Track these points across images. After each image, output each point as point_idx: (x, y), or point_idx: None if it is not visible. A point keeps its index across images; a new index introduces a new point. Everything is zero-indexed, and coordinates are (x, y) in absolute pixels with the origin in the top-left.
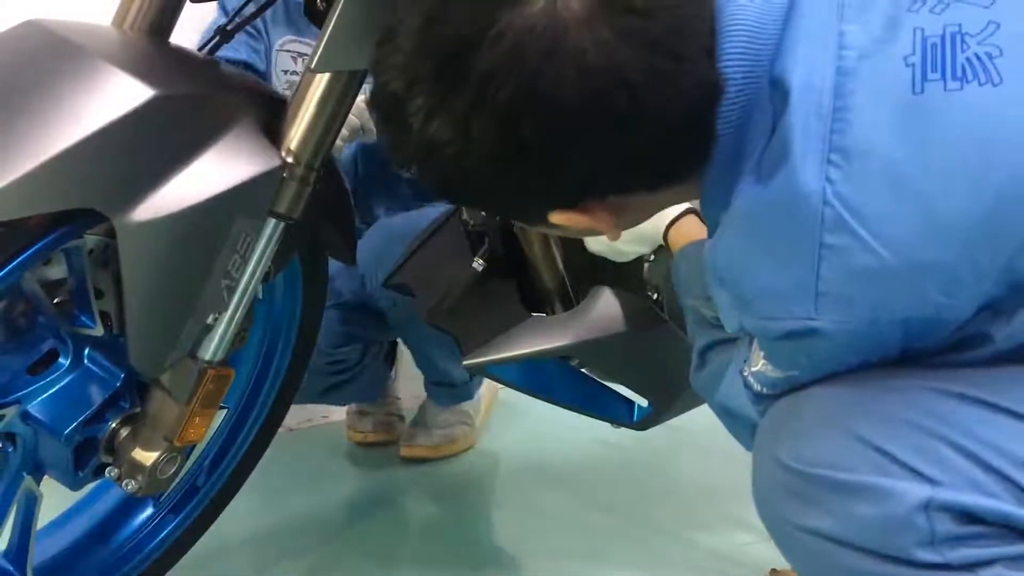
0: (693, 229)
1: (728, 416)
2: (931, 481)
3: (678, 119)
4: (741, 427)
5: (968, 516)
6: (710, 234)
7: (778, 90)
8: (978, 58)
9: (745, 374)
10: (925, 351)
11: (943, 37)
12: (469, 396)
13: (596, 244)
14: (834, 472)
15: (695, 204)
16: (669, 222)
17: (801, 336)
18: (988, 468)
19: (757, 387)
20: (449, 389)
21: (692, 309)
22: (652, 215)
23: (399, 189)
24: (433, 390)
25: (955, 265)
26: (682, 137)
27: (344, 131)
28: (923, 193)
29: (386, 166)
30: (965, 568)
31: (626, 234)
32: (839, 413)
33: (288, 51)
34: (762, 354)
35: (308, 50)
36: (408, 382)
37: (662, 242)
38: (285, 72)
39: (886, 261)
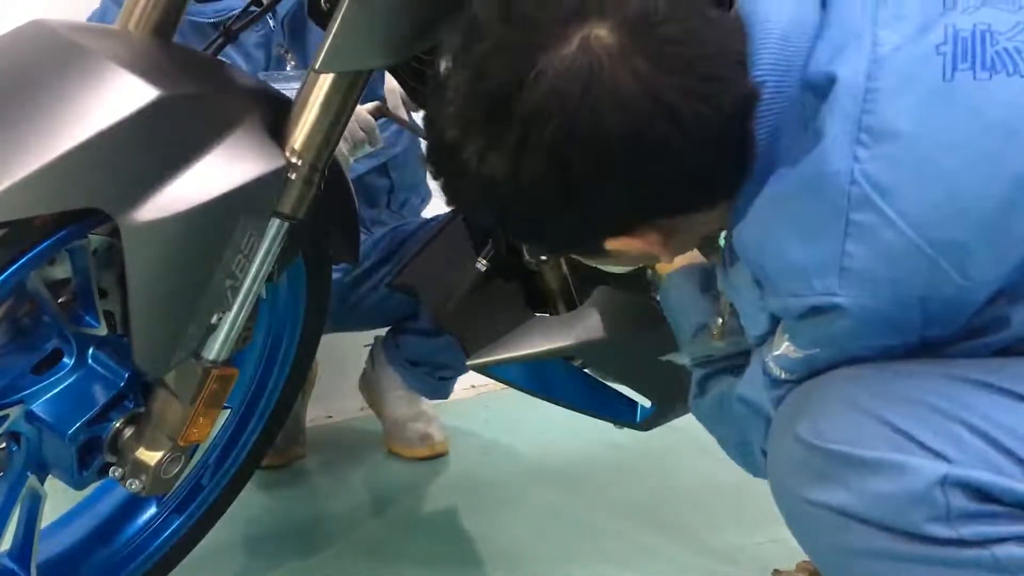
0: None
1: (734, 436)
2: (947, 459)
3: (718, 136)
4: (755, 424)
5: (983, 495)
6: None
7: (813, 91)
8: (1007, 52)
9: (767, 359)
10: (944, 340)
11: (973, 33)
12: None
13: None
14: (852, 448)
15: None
16: None
17: (823, 312)
18: (1004, 450)
19: (777, 372)
20: (440, 376)
21: (689, 336)
22: (702, 236)
23: (378, 199)
24: (424, 380)
25: (974, 246)
26: (723, 153)
27: (350, 140)
28: (947, 174)
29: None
30: (978, 544)
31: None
32: (858, 394)
33: None
34: (786, 336)
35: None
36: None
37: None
38: None
39: (909, 238)
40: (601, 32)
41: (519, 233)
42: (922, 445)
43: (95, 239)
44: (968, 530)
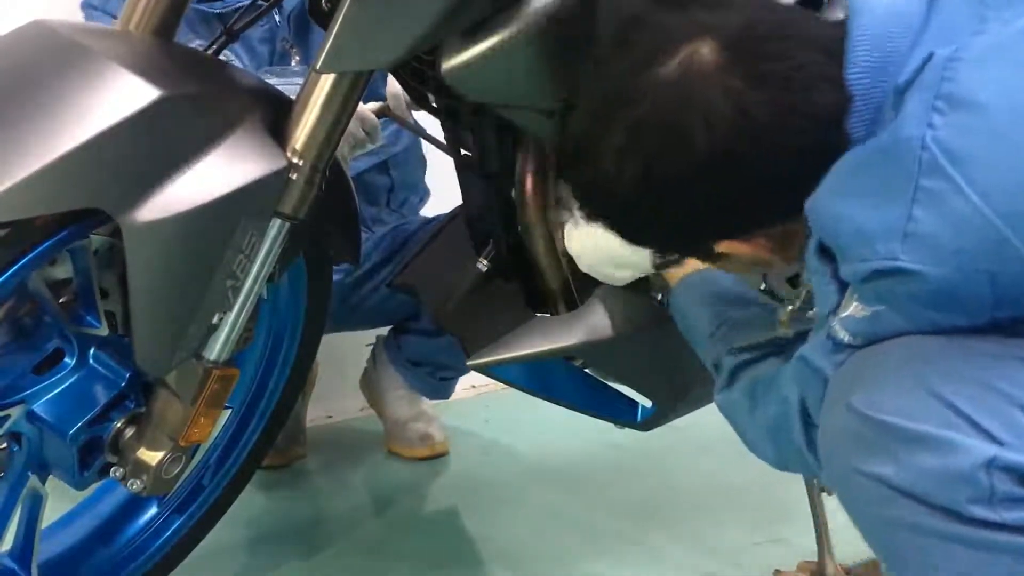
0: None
1: (764, 423)
2: (999, 441)
3: (811, 144)
4: (812, 384)
5: None
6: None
7: (905, 91)
8: None
9: (833, 323)
10: (1017, 322)
11: None
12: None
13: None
14: (904, 421)
15: None
16: None
17: (887, 275)
18: None
19: (843, 335)
20: (442, 377)
21: (707, 337)
22: None
23: (379, 197)
24: (428, 381)
25: None
26: (817, 159)
27: (351, 140)
28: (1019, 145)
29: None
30: (1019, 531)
31: (611, 260)
32: (916, 367)
33: None
34: (855, 296)
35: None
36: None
37: (651, 269)
38: None
39: (977, 208)
40: (704, 50)
41: (628, 235)
42: (975, 425)
43: (96, 239)
44: (1012, 515)
